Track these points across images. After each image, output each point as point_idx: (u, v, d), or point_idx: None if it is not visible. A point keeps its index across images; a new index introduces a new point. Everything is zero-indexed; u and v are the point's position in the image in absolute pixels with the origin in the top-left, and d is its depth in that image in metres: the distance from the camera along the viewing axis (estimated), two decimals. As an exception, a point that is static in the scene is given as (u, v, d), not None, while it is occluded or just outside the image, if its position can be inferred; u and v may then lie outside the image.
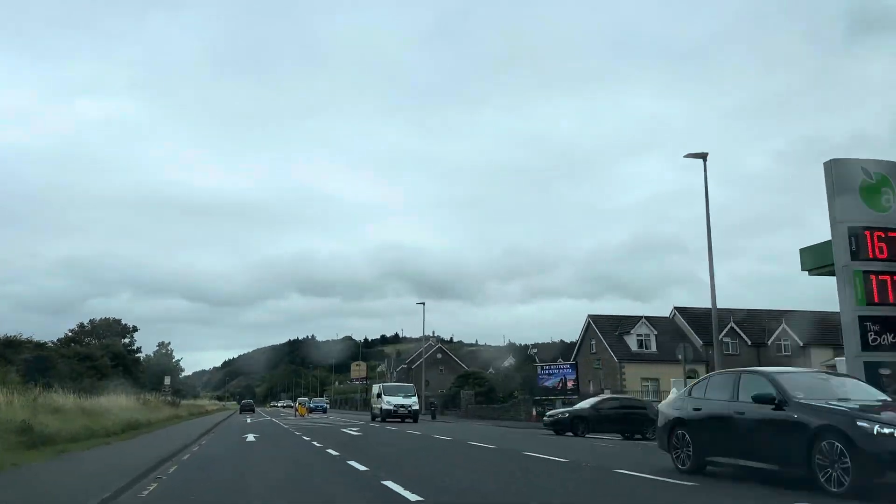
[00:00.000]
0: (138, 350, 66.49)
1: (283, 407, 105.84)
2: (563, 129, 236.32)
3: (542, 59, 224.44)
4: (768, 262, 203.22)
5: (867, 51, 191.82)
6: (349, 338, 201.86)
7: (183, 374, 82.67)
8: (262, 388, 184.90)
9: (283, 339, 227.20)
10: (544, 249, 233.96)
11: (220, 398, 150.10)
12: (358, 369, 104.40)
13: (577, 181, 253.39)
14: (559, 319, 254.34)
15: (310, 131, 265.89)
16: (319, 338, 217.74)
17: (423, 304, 61.79)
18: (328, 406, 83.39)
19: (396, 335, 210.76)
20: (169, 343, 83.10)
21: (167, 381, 55.66)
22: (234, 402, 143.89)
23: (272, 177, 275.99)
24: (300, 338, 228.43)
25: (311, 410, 61.41)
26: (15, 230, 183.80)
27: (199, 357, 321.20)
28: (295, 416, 52.67)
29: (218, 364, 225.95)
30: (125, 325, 66.11)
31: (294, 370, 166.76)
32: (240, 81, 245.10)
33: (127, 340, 64.42)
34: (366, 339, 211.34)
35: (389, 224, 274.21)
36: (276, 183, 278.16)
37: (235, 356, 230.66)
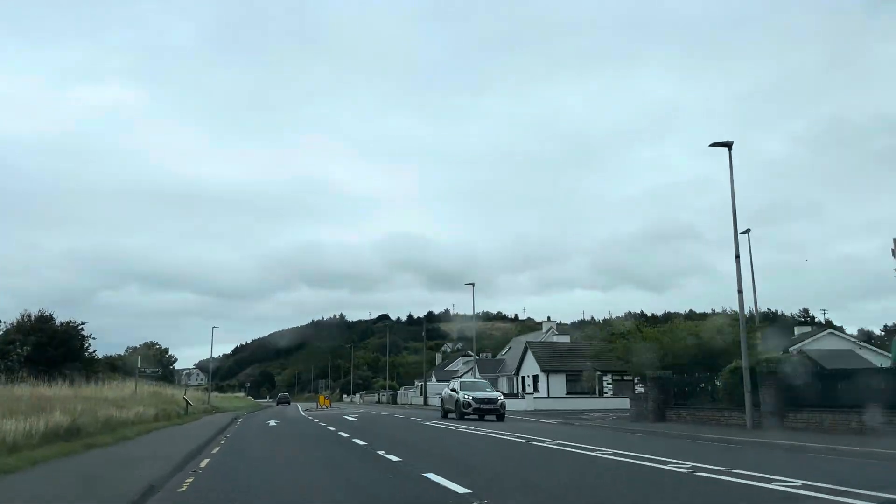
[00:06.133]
0: None
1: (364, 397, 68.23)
2: (574, 114, 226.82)
3: (551, 40, 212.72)
4: (785, 251, 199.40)
5: (887, 25, 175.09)
6: (385, 317, 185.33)
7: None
8: (283, 377, 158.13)
9: (305, 322, 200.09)
10: (556, 239, 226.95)
11: (220, 389, 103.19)
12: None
13: (589, 168, 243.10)
14: (573, 310, 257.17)
15: (313, 118, 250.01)
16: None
17: (473, 284, 53.66)
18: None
19: (447, 311, 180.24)
20: None
21: None
22: (243, 395, 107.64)
23: (275, 165, 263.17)
24: (325, 318, 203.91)
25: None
26: (14, 222, 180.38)
27: (205, 351, 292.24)
28: None
29: (228, 351, 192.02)
30: None
31: (332, 349, 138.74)
32: (240, 66, 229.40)
33: None
34: (410, 317, 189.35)
35: (397, 214, 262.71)
36: (279, 172, 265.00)
37: (248, 341, 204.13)
